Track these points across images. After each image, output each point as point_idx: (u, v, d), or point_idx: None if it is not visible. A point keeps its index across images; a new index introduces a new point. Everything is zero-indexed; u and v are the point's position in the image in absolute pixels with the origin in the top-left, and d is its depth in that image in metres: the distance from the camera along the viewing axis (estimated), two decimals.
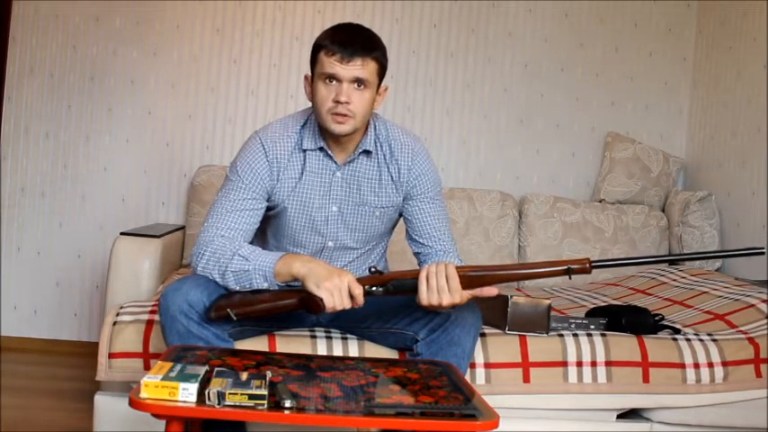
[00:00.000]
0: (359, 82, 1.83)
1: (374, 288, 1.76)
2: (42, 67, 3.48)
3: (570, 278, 1.76)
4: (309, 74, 1.91)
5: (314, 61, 1.87)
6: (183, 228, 3.28)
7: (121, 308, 2.10)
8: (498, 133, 3.67)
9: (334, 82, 1.83)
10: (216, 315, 1.73)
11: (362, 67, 1.82)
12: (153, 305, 2.11)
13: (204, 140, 3.54)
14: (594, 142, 3.70)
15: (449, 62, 3.64)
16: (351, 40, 1.83)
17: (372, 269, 1.78)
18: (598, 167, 3.67)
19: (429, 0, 3.61)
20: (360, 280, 1.76)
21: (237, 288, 1.78)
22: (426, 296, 1.72)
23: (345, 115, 1.83)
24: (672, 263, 3.32)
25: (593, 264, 1.73)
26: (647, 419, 2.25)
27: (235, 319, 1.74)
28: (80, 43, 3.49)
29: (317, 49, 1.86)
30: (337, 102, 1.82)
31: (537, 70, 3.67)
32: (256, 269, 1.75)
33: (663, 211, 3.50)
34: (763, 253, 1.78)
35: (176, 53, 3.53)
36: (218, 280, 1.80)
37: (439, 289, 1.71)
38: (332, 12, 3.56)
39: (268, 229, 2.03)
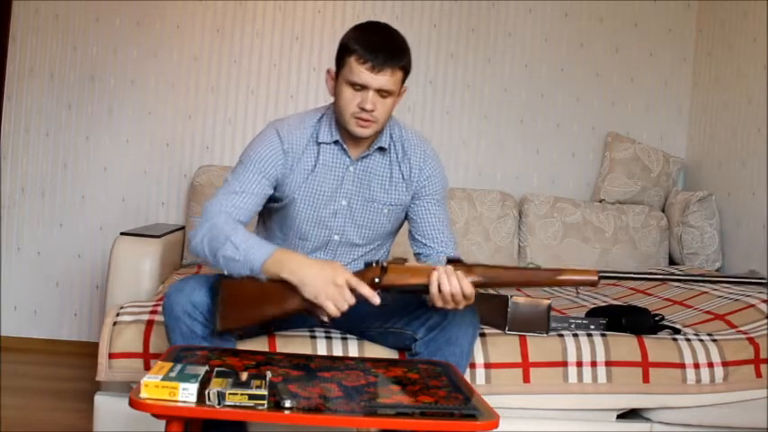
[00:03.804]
0: (385, 91, 1.85)
1: (377, 280, 1.73)
2: (42, 67, 3.48)
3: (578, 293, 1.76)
4: (334, 69, 1.91)
5: (341, 63, 1.87)
6: (183, 228, 3.28)
7: (122, 308, 2.10)
8: (498, 133, 3.67)
9: (360, 89, 1.84)
10: (222, 329, 1.72)
11: (390, 77, 1.83)
12: (153, 305, 2.11)
13: (204, 140, 3.54)
14: (594, 142, 3.70)
15: (449, 62, 3.64)
16: (382, 48, 1.82)
17: (375, 263, 1.76)
18: (598, 167, 3.67)
19: (429, 0, 3.61)
20: (360, 274, 1.74)
21: (226, 273, 1.77)
22: (442, 304, 1.72)
23: (368, 120, 1.86)
24: (672, 262, 3.33)
25: (602, 275, 1.74)
26: (647, 419, 2.25)
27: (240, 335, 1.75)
28: (80, 43, 3.49)
29: (346, 50, 1.85)
30: (362, 109, 1.84)
31: (537, 70, 3.67)
32: (245, 262, 1.74)
33: (663, 211, 3.50)
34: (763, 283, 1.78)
35: (176, 53, 3.53)
36: (209, 260, 1.79)
37: (454, 296, 1.70)
38: (332, 12, 3.56)
39: (274, 222, 2.03)
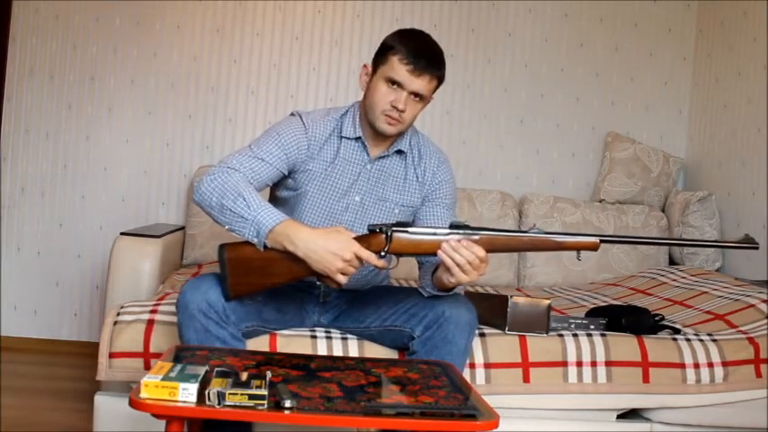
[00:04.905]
0: (418, 95, 1.90)
1: (383, 253, 1.77)
2: (42, 67, 3.48)
3: (579, 258, 1.84)
4: (371, 66, 1.96)
5: (382, 59, 1.91)
6: (183, 228, 3.28)
7: (122, 308, 2.10)
8: (498, 133, 3.67)
9: (396, 87, 1.89)
10: (234, 297, 1.76)
11: (428, 84, 1.90)
12: (153, 305, 2.11)
13: (204, 140, 3.54)
14: (594, 142, 3.70)
15: (449, 62, 3.56)
16: (425, 54, 1.89)
17: (379, 229, 1.79)
18: (598, 167, 3.67)
19: (429, 0, 3.61)
20: (364, 240, 1.76)
21: (227, 228, 1.78)
22: (465, 277, 1.73)
23: (396, 120, 1.91)
24: (672, 262, 3.33)
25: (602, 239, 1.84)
26: (647, 419, 2.25)
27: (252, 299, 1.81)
28: (80, 43, 3.49)
29: (389, 49, 1.91)
30: (394, 107, 1.89)
31: (537, 70, 3.67)
32: (253, 222, 1.74)
33: (663, 211, 3.50)
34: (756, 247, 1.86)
35: (176, 53, 3.53)
36: (213, 211, 1.79)
37: (471, 263, 1.72)
38: (332, 12, 3.56)
39: (284, 211, 2.02)
